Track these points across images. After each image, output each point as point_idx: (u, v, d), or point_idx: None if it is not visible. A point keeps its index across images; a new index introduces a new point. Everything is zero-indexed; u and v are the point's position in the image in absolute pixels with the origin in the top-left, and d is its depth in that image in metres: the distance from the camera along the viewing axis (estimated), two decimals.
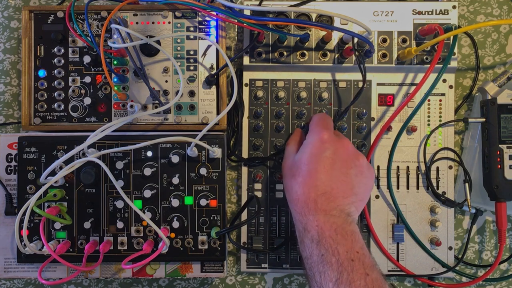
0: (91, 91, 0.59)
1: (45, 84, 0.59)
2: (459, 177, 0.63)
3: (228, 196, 0.65)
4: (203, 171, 0.57)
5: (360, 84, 0.60)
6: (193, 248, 0.58)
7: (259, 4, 0.59)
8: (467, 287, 0.64)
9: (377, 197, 0.61)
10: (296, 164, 0.51)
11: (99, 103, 0.59)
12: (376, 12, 0.60)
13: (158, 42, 0.58)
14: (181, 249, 0.58)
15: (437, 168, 0.61)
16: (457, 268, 0.60)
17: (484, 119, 0.59)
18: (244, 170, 0.61)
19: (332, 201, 0.48)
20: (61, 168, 0.55)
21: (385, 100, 0.61)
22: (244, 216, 0.61)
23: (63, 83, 0.59)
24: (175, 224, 0.57)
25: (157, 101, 0.59)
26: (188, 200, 0.57)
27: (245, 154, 0.61)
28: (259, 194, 0.61)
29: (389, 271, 0.61)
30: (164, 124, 0.59)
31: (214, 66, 0.59)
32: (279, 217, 0.61)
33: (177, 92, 0.59)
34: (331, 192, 0.49)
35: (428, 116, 0.61)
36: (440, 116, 0.61)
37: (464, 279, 0.64)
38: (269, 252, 0.60)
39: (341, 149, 0.51)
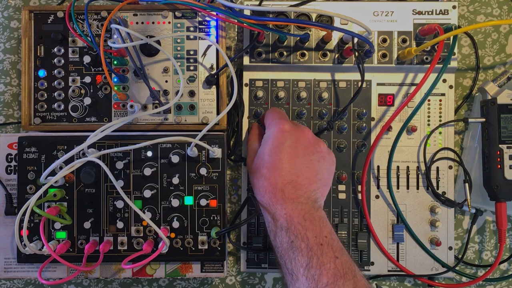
0: (91, 91, 0.59)
1: (45, 84, 0.59)
2: (459, 177, 0.63)
3: (228, 196, 0.65)
4: (203, 171, 0.57)
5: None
6: (193, 248, 0.58)
7: (259, 4, 0.59)
8: (467, 287, 0.64)
9: (377, 197, 0.61)
10: (259, 157, 0.52)
11: (99, 103, 0.59)
12: (376, 12, 0.60)
13: (158, 42, 0.58)
14: (181, 249, 0.58)
15: (437, 168, 0.61)
16: (457, 268, 0.60)
17: (484, 119, 0.60)
18: (244, 170, 0.61)
19: (299, 189, 0.49)
20: (61, 168, 0.55)
21: (385, 100, 0.61)
22: (244, 216, 0.61)
23: (63, 83, 0.59)
24: (175, 224, 0.57)
25: (157, 101, 0.59)
26: (188, 200, 0.57)
27: (245, 154, 0.61)
28: None
29: (389, 271, 0.61)
30: (164, 124, 0.59)
31: (214, 66, 0.59)
32: None
33: (177, 92, 0.59)
34: (297, 180, 0.49)
35: (428, 116, 0.61)
36: (440, 116, 0.61)
37: (464, 279, 0.64)
38: (269, 252, 0.60)
39: (302, 137, 0.51)
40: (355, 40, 0.57)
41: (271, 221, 0.49)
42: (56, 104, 0.59)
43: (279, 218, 0.48)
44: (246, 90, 0.61)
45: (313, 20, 0.59)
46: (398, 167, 0.61)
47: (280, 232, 0.47)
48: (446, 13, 0.59)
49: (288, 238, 0.47)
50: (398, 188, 0.61)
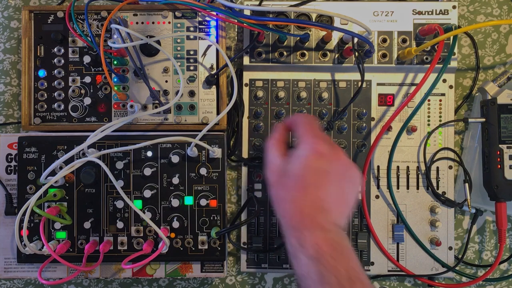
0: (91, 91, 0.59)
1: (45, 84, 0.59)
2: (459, 177, 0.63)
3: (228, 196, 0.65)
4: (203, 171, 0.57)
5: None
6: (193, 248, 0.58)
7: (259, 4, 0.59)
8: (467, 287, 0.64)
9: (377, 197, 0.61)
10: (287, 175, 0.48)
11: (99, 103, 0.59)
12: (376, 12, 0.60)
13: (158, 42, 0.58)
14: (181, 249, 0.58)
15: (437, 168, 0.61)
16: (457, 268, 0.60)
17: (484, 119, 0.59)
18: (244, 170, 0.61)
19: (328, 216, 0.47)
20: (61, 168, 0.55)
21: (385, 100, 0.61)
22: (244, 216, 0.61)
23: (63, 83, 0.59)
24: (175, 224, 0.57)
25: (157, 101, 0.59)
26: (188, 200, 0.57)
27: (245, 154, 0.61)
28: (259, 194, 0.61)
29: (389, 271, 0.61)
30: (164, 124, 0.59)
31: (214, 66, 0.59)
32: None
33: (177, 92, 0.59)
34: (327, 207, 0.47)
35: (428, 116, 0.61)
36: (440, 116, 0.61)
37: (464, 279, 0.64)
38: (269, 252, 0.60)
39: (336, 161, 0.48)
40: (355, 40, 0.57)
41: (297, 246, 0.46)
42: (56, 104, 0.59)
43: (308, 247, 0.45)
44: (246, 90, 0.61)
45: (313, 20, 0.59)
46: (398, 167, 0.61)
47: (308, 261, 0.45)
48: (446, 13, 0.59)
49: (318, 269, 0.44)
50: (398, 188, 0.61)
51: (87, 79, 0.59)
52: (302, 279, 0.46)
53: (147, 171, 0.56)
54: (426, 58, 0.59)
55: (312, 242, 0.45)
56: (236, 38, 0.66)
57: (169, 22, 0.59)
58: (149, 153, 0.57)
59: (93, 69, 0.59)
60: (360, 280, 0.44)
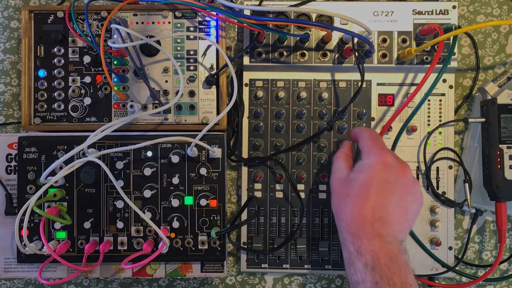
0: (91, 91, 0.59)
1: (45, 84, 0.59)
2: (459, 177, 0.63)
3: (228, 196, 0.65)
4: (203, 171, 0.57)
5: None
6: (193, 248, 0.58)
7: (259, 4, 0.59)
8: (467, 287, 0.64)
9: None
10: (352, 184, 0.49)
11: (99, 103, 0.59)
12: (376, 12, 0.60)
13: (158, 42, 0.58)
14: (181, 249, 0.58)
15: (437, 168, 0.61)
16: (457, 268, 0.60)
17: (484, 119, 0.60)
18: (244, 170, 0.61)
19: (388, 227, 0.47)
20: (61, 168, 0.55)
21: (385, 100, 0.61)
22: (244, 216, 0.61)
23: (63, 83, 0.59)
24: (175, 224, 0.57)
25: (157, 101, 0.59)
26: (188, 200, 0.57)
27: (245, 154, 0.61)
28: (259, 194, 0.61)
29: None
30: (164, 124, 0.59)
31: (214, 66, 0.59)
32: (279, 217, 0.61)
33: (177, 92, 0.59)
34: (387, 217, 0.47)
35: (428, 116, 0.61)
36: (440, 116, 0.61)
37: (464, 279, 0.64)
38: (269, 252, 0.60)
39: (402, 174, 0.49)
40: (355, 40, 0.57)
41: (354, 253, 0.47)
42: (56, 104, 0.59)
43: (365, 254, 0.46)
44: (246, 90, 0.61)
45: (313, 20, 0.59)
46: None
47: (364, 269, 0.45)
48: (446, 13, 0.59)
49: (373, 278, 0.44)
50: None
51: (87, 79, 0.59)
52: (355, 285, 0.46)
53: (147, 171, 0.56)
54: (426, 58, 0.59)
55: (369, 249, 0.46)
56: (236, 38, 0.66)
57: (169, 22, 0.59)
58: (149, 153, 0.57)
59: (93, 69, 0.59)
60: None
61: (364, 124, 0.61)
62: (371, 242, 0.46)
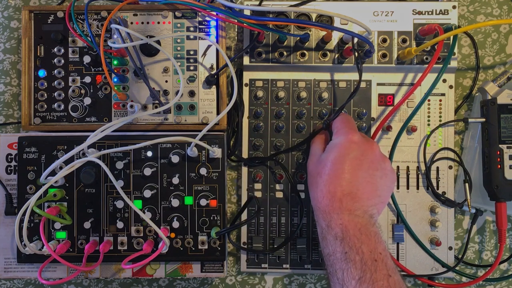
0: (91, 91, 0.59)
1: (45, 84, 0.59)
2: (459, 177, 0.63)
3: (228, 196, 0.65)
4: (203, 171, 0.57)
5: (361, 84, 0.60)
6: (193, 248, 0.58)
7: (259, 4, 0.59)
8: (467, 287, 0.64)
9: None
10: (322, 163, 0.52)
11: (99, 103, 0.59)
12: (376, 12, 0.60)
13: (158, 42, 0.58)
14: (181, 249, 0.58)
15: (437, 168, 0.61)
16: (457, 268, 0.60)
17: (484, 119, 0.60)
18: (244, 170, 0.61)
19: (357, 202, 0.49)
20: (61, 168, 0.55)
21: (385, 100, 0.61)
22: (244, 216, 0.61)
23: (63, 83, 0.59)
24: (175, 224, 0.57)
25: (157, 101, 0.59)
26: (188, 200, 0.57)
27: (245, 154, 0.61)
28: (259, 194, 0.61)
29: None
30: (164, 124, 0.59)
31: (214, 66, 0.59)
32: (279, 217, 0.61)
33: (177, 92, 0.59)
34: (356, 193, 0.49)
35: (428, 116, 0.61)
36: (440, 116, 0.61)
37: (464, 279, 0.64)
38: (269, 252, 0.60)
39: (369, 151, 0.51)
40: (355, 40, 0.57)
41: (325, 228, 0.49)
42: (56, 104, 0.59)
43: (334, 227, 0.48)
44: (246, 90, 0.61)
45: (313, 20, 0.59)
46: (398, 167, 0.61)
47: (334, 241, 0.47)
48: (446, 13, 0.59)
49: (343, 248, 0.46)
50: (398, 188, 0.61)
51: (87, 79, 0.59)
52: (327, 257, 0.48)
53: (147, 171, 0.56)
54: (426, 58, 0.59)
55: (339, 223, 0.48)
56: (236, 38, 0.66)
57: (169, 22, 0.59)
58: (149, 153, 0.57)
59: (93, 69, 0.59)
60: (384, 262, 0.46)
61: (364, 124, 0.61)
62: (340, 216, 0.48)
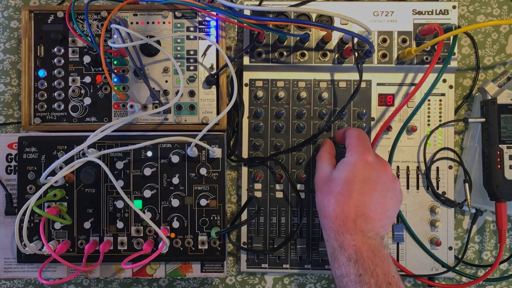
0: (91, 91, 0.59)
1: (45, 84, 0.59)
2: (459, 177, 0.63)
3: (228, 196, 0.65)
4: (203, 171, 0.57)
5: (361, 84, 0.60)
6: (193, 248, 0.58)
7: (259, 4, 0.59)
8: (467, 287, 0.64)
9: None
10: (335, 181, 0.50)
11: (99, 103, 0.59)
12: (376, 12, 0.60)
13: (158, 42, 0.58)
14: (181, 249, 0.58)
15: (437, 168, 0.61)
16: (457, 268, 0.60)
17: (484, 119, 0.60)
18: (244, 170, 0.61)
19: (370, 223, 0.48)
20: (61, 168, 0.55)
21: (385, 100, 0.61)
22: (244, 216, 0.61)
23: (63, 83, 0.59)
24: (175, 224, 0.57)
25: (157, 101, 0.59)
26: (188, 200, 0.57)
27: (245, 154, 0.61)
28: (259, 194, 0.61)
29: None
30: (164, 124, 0.59)
31: (214, 66, 0.59)
32: (279, 217, 0.61)
33: (177, 92, 0.59)
34: (369, 214, 0.49)
35: (428, 116, 0.61)
36: (440, 116, 0.61)
37: (464, 279, 0.64)
38: (269, 252, 0.60)
39: (382, 172, 0.51)
40: (355, 40, 0.57)
41: (337, 248, 0.48)
42: (56, 104, 0.59)
43: (348, 248, 0.47)
44: (246, 90, 0.61)
45: (313, 20, 0.59)
46: (398, 167, 0.61)
47: (348, 263, 0.47)
48: (446, 13, 0.59)
49: (357, 270, 0.46)
50: None
51: (87, 79, 0.59)
52: (339, 279, 0.48)
53: (147, 171, 0.56)
54: (426, 58, 0.59)
55: (352, 244, 0.47)
56: (236, 38, 0.66)
57: (169, 22, 0.59)
58: (149, 153, 0.57)
59: (93, 69, 0.59)
60: (398, 286, 0.46)
61: (364, 124, 0.61)
62: (353, 237, 0.48)
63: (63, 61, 0.59)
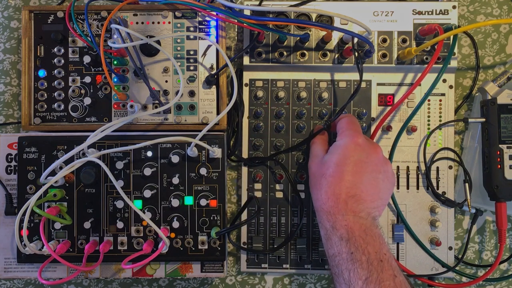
0: (91, 91, 0.59)
1: (45, 84, 0.59)
2: (459, 177, 0.63)
3: (228, 196, 0.65)
4: (203, 171, 0.57)
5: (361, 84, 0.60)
6: (193, 248, 0.58)
7: (259, 4, 0.59)
8: (467, 287, 0.64)
9: None
10: (326, 164, 0.52)
11: (99, 103, 0.59)
12: (376, 12, 0.60)
13: (158, 42, 0.58)
14: (181, 249, 0.58)
15: (437, 168, 0.61)
16: (457, 268, 0.60)
17: (484, 119, 0.60)
18: (244, 170, 0.61)
19: (361, 204, 0.49)
20: (61, 168, 0.55)
21: (385, 100, 0.61)
22: (244, 216, 0.61)
23: (63, 83, 0.59)
24: (175, 224, 0.57)
25: (157, 101, 0.59)
26: (188, 200, 0.57)
27: (245, 154, 0.61)
28: (259, 194, 0.61)
29: None
30: (164, 124, 0.59)
31: (214, 66, 0.59)
32: (279, 217, 0.61)
33: (177, 92, 0.59)
34: (361, 195, 0.49)
35: (428, 116, 0.61)
36: (440, 116, 0.61)
37: (464, 279, 0.64)
38: (269, 252, 0.60)
39: (373, 154, 0.51)
40: (355, 40, 0.57)
41: (330, 229, 0.49)
42: (56, 104, 0.59)
43: (340, 228, 0.48)
44: (246, 90, 0.61)
45: (313, 20, 0.59)
46: (398, 167, 0.61)
47: (340, 242, 0.48)
48: (446, 13, 0.59)
49: (348, 249, 0.47)
50: (398, 188, 0.61)
51: (87, 79, 0.59)
52: (332, 258, 0.49)
53: (147, 171, 0.56)
54: (426, 58, 0.59)
55: (344, 224, 0.48)
56: (236, 38, 0.66)
57: (169, 22, 0.59)
58: (149, 153, 0.57)
59: (93, 69, 0.59)
60: (389, 263, 0.46)
61: (364, 124, 0.61)
62: (345, 217, 0.48)
63: (63, 61, 0.59)
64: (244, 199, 0.61)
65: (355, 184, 0.49)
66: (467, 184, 0.60)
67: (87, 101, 0.58)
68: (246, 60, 0.60)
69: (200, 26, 0.59)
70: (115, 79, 0.59)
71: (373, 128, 0.61)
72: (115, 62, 0.58)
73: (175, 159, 0.56)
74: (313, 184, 0.54)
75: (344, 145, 0.51)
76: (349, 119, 0.55)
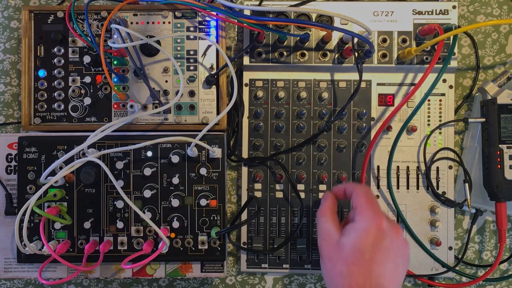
0: (91, 91, 0.59)
1: (45, 84, 0.59)
2: (459, 177, 0.63)
3: (228, 196, 0.65)
4: (203, 171, 0.57)
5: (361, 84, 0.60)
6: (193, 248, 0.58)
7: (259, 4, 0.59)
8: (467, 287, 0.64)
9: (377, 197, 0.61)
10: (347, 249, 0.48)
11: (99, 103, 0.59)
12: (376, 12, 0.60)
13: (158, 42, 0.58)
14: (181, 249, 0.58)
15: (437, 168, 0.61)
16: (457, 268, 0.60)
17: (484, 119, 0.60)
18: (244, 170, 0.61)
19: None
20: (61, 168, 0.55)
21: (385, 100, 0.61)
22: (244, 216, 0.61)
23: (63, 83, 0.59)
24: (175, 224, 0.57)
25: (157, 101, 0.59)
26: (188, 200, 0.57)
27: (245, 154, 0.61)
28: (259, 194, 0.61)
29: None
30: (164, 124, 0.59)
31: (214, 66, 0.59)
32: (279, 217, 0.61)
33: (177, 92, 0.59)
34: (383, 284, 0.47)
35: (428, 116, 0.61)
36: (440, 116, 0.61)
37: (464, 279, 0.64)
38: (269, 252, 0.60)
39: (396, 239, 0.49)
40: (355, 40, 0.57)
41: None
42: (56, 104, 0.59)
43: None
44: (246, 90, 0.61)
45: (313, 20, 0.59)
46: (398, 167, 0.61)
47: None
48: (446, 13, 0.59)
49: None
50: (398, 188, 0.61)
51: (87, 79, 0.59)
52: None
53: (147, 171, 0.56)
54: (426, 58, 0.59)
55: None
56: (236, 38, 0.66)
57: (169, 22, 0.59)
58: (149, 153, 0.57)
59: (93, 69, 0.59)
60: None
61: (364, 124, 0.61)
62: None
63: (63, 61, 0.59)
64: (244, 199, 0.61)
65: (379, 274, 0.46)
66: (467, 184, 0.60)
67: (87, 101, 0.58)
68: (246, 60, 0.60)
69: (200, 26, 0.59)
70: (115, 79, 0.59)
71: (373, 130, 0.61)
72: (115, 62, 0.58)
73: (175, 159, 0.56)
74: (328, 269, 0.49)
75: (367, 229, 0.47)
76: (368, 196, 0.50)
